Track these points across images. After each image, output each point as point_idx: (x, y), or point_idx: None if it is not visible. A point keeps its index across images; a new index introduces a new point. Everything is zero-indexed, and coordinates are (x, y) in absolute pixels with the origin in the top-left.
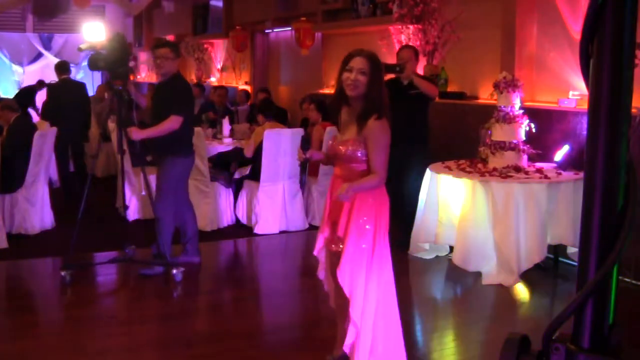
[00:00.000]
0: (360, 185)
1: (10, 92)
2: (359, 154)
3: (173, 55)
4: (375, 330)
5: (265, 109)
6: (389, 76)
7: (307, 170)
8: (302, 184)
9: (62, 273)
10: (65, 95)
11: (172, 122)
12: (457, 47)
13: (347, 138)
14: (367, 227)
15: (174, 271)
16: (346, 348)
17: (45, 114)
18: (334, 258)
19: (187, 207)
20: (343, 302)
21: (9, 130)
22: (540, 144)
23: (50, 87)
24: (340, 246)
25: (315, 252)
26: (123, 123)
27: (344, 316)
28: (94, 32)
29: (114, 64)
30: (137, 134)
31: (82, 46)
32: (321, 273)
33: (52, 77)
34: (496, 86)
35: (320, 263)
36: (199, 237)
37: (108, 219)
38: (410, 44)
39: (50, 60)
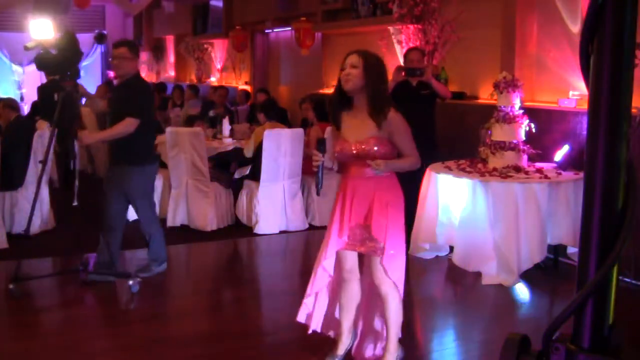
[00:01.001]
0: (396, 163)
1: (10, 92)
2: (375, 149)
3: (131, 55)
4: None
5: (268, 109)
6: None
7: (303, 169)
8: (319, 186)
9: (10, 286)
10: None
11: (127, 125)
12: (457, 47)
13: (368, 136)
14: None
15: (130, 282)
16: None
17: (34, 114)
18: (367, 257)
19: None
20: (355, 299)
21: (8, 129)
22: (540, 144)
23: (40, 88)
24: (379, 244)
25: (326, 256)
26: (66, 124)
27: (352, 315)
28: (41, 29)
29: (64, 63)
30: (87, 137)
31: (29, 44)
32: (330, 269)
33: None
34: (496, 86)
35: (328, 260)
36: (165, 246)
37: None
38: (412, 44)
39: None
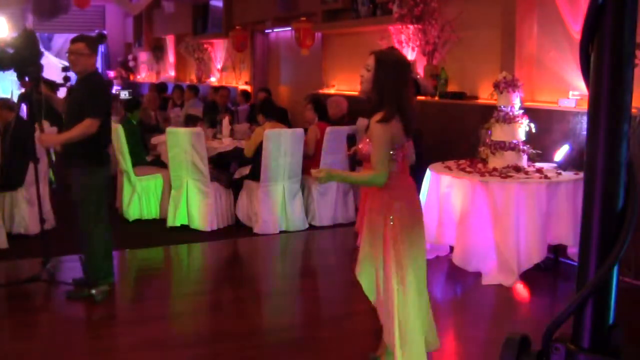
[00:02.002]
0: (347, 175)
1: (10, 92)
2: (360, 146)
3: (89, 51)
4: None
5: (266, 109)
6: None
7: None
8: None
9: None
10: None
11: (88, 127)
12: (457, 47)
13: (365, 137)
14: (377, 224)
15: (93, 291)
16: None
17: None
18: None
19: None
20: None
21: (6, 129)
22: (540, 144)
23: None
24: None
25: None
26: (27, 126)
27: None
28: None
29: (22, 63)
30: (47, 140)
31: None
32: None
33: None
34: (496, 86)
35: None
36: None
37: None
38: (412, 44)
39: (50, 60)
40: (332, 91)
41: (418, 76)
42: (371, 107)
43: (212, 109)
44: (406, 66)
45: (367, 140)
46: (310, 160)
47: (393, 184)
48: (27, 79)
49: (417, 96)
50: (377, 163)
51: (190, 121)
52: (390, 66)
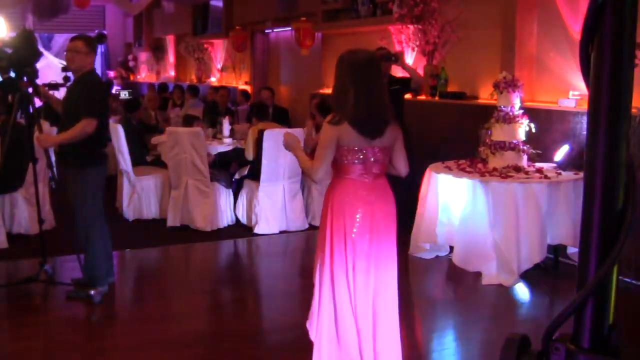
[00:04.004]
0: (299, 155)
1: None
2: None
3: (86, 49)
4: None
5: (259, 114)
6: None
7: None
8: None
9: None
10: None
11: (85, 126)
12: (457, 47)
13: None
14: (324, 221)
15: (92, 292)
16: None
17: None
18: None
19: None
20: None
21: (4, 129)
22: (540, 144)
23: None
24: None
25: None
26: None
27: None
28: None
29: (20, 63)
30: (45, 141)
31: None
32: None
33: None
34: (496, 86)
35: None
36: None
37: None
38: (412, 44)
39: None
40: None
41: (407, 67)
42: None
43: (213, 109)
44: (365, 66)
45: None
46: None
47: (346, 185)
48: (25, 79)
49: (407, 93)
50: (316, 158)
51: (188, 121)
52: (343, 67)
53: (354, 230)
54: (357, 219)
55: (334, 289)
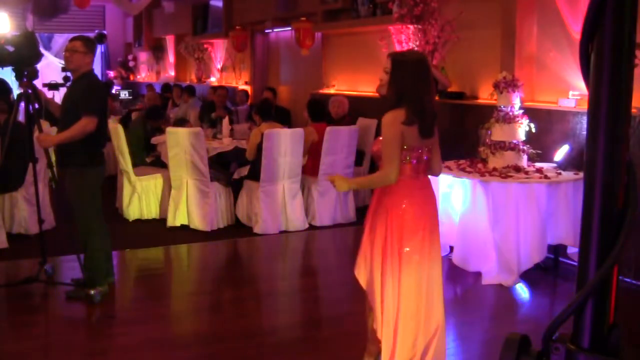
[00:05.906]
0: (363, 180)
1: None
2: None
3: (85, 49)
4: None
5: (263, 112)
6: None
7: (303, 169)
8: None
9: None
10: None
11: (85, 124)
12: (457, 47)
13: (379, 137)
14: (378, 224)
15: (92, 292)
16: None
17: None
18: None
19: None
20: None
21: (3, 129)
22: (540, 144)
23: None
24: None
25: None
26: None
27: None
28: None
29: (21, 62)
30: (45, 140)
31: None
32: None
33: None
34: (496, 86)
35: None
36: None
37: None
38: (412, 44)
39: (50, 60)
40: (332, 91)
41: (435, 71)
42: (388, 107)
43: (209, 108)
44: (425, 65)
45: (380, 138)
46: (310, 160)
47: (401, 185)
48: (25, 79)
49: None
50: (386, 160)
51: (179, 124)
52: (407, 66)
53: (409, 229)
54: (411, 218)
55: (397, 286)
